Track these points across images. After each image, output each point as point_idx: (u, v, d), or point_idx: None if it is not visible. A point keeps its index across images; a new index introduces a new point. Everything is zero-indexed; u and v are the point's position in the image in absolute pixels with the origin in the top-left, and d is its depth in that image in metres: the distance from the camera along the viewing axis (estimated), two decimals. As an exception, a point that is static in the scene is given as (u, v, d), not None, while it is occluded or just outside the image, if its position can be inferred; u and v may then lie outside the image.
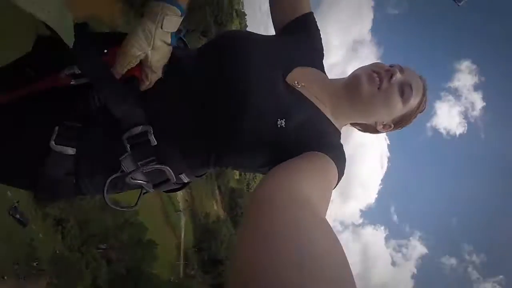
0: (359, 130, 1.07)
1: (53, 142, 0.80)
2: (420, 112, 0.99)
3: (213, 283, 46.37)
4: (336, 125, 0.94)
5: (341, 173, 0.81)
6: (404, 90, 0.91)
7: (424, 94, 0.97)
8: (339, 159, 0.82)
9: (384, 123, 0.98)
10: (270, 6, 1.08)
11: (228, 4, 64.94)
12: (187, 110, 0.86)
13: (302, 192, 0.52)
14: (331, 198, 0.68)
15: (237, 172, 65.36)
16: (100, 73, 0.81)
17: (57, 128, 0.81)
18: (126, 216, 32.96)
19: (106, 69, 0.80)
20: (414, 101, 0.94)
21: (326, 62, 1.07)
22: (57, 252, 24.00)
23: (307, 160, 0.74)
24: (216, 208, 58.62)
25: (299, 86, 0.89)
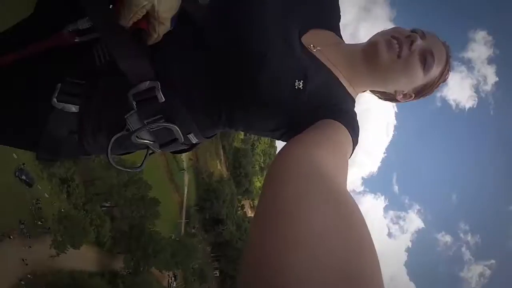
0: (378, 98, 1.03)
1: (55, 100, 0.79)
2: (443, 82, 0.94)
3: (213, 242, 48.22)
4: (351, 93, 0.90)
5: (355, 143, 0.78)
6: (426, 58, 0.85)
7: (447, 63, 0.91)
8: (354, 128, 0.78)
9: (405, 92, 0.94)
10: None
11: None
12: (199, 63, 0.82)
13: (314, 165, 0.49)
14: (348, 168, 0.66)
15: (240, 135, 65.42)
16: (107, 25, 0.76)
17: (59, 85, 0.80)
18: (131, 174, 33.61)
19: (113, 21, 0.74)
20: (436, 70, 0.89)
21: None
22: (62, 210, 24.80)
23: (322, 129, 0.71)
24: (219, 167, 59.43)
25: (315, 50, 0.86)
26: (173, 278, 38.01)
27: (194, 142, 0.89)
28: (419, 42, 0.85)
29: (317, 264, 0.29)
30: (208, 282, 42.85)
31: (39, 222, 23.36)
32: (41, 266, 22.89)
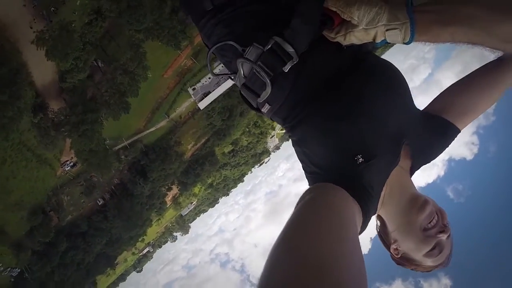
0: (377, 228, 1.07)
1: None
2: (426, 271, 1.02)
3: (123, 181, 46.41)
4: (377, 207, 0.95)
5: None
6: (434, 250, 0.93)
7: (439, 266, 0.98)
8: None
9: (399, 248, 0.99)
10: (451, 91, 1.05)
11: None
12: (326, 81, 0.90)
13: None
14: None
15: (228, 148, 65.00)
16: None
17: None
18: (138, 70, 33.17)
19: None
20: (432, 262, 0.96)
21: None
22: (72, 25, 24.44)
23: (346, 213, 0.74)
24: (188, 148, 58.68)
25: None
26: (71, 164, 36.25)
27: (262, 110, 0.96)
28: (445, 237, 0.92)
29: None
30: (89, 197, 40.84)
31: (52, 8, 23.08)
32: (11, 28, 22.26)
